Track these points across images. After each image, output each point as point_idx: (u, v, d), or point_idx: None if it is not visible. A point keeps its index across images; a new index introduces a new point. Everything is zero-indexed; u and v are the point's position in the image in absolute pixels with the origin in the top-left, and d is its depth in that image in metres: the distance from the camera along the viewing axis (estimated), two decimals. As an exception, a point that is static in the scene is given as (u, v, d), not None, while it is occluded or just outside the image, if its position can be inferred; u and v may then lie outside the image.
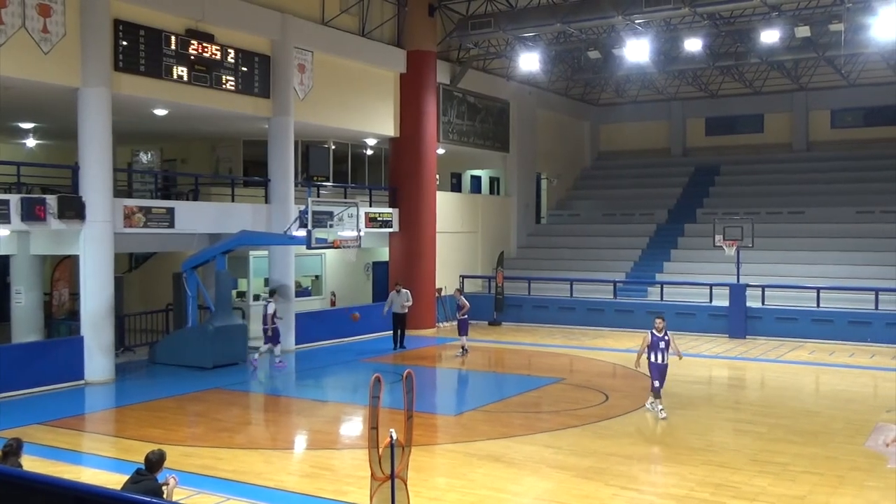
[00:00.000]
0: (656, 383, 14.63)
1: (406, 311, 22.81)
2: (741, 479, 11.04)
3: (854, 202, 30.05)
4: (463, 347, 21.78)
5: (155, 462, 7.84)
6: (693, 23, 26.15)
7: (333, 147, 26.69)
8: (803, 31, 24.42)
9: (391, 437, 7.63)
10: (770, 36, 24.80)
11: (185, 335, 20.35)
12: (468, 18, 26.24)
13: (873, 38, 24.75)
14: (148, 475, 7.75)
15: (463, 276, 29.22)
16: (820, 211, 30.19)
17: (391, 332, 23.05)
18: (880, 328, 23.24)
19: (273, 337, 19.59)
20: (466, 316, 21.98)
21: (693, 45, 26.07)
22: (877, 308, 23.84)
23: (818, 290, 24.67)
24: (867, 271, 25.91)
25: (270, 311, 19.61)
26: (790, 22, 24.70)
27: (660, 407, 14.52)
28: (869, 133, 34.09)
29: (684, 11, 23.19)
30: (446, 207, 28.36)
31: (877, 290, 24.08)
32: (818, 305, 24.54)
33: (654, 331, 14.77)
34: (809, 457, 12.12)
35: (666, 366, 14.72)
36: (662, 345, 14.65)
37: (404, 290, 22.79)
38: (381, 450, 7.62)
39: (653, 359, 14.65)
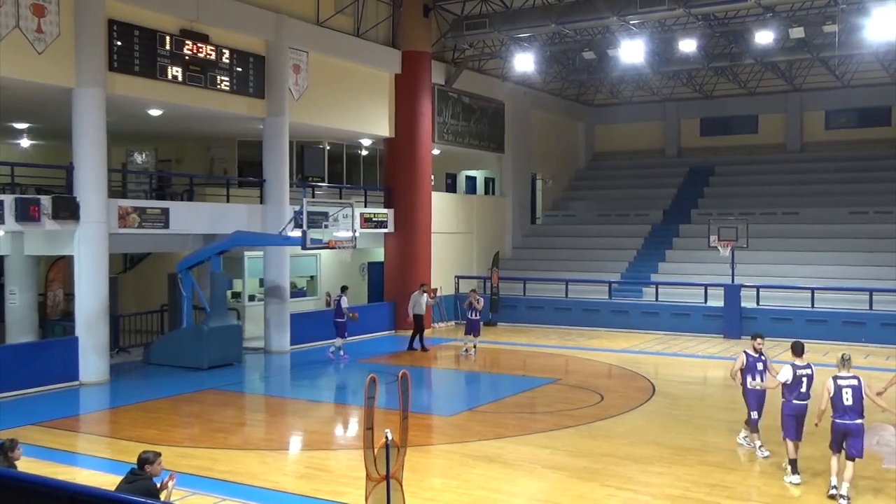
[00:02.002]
0: (753, 414, 12.41)
1: (423, 312, 22.61)
2: (736, 480, 11.08)
3: (848, 203, 30.13)
4: (470, 347, 21.77)
5: (149, 462, 7.82)
6: (687, 24, 26.18)
7: (328, 147, 26.67)
8: (797, 32, 24.46)
9: (386, 437, 7.63)
10: (764, 37, 24.82)
11: (179, 336, 20.32)
12: (463, 19, 26.24)
13: (867, 39, 24.80)
14: (142, 475, 7.73)
15: (458, 277, 29.22)
16: (814, 211, 30.25)
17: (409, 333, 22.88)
18: (875, 328, 23.29)
19: (341, 330, 20.86)
20: (479, 317, 21.93)
21: (687, 45, 26.08)
22: (871, 308, 23.88)
23: (812, 290, 24.71)
24: (861, 272, 25.96)
25: (344, 304, 20.84)
26: (784, 23, 24.74)
27: (758, 443, 12.38)
28: (863, 134, 34.18)
29: (679, 12, 23.20)
30: (441, 208, 28.36)
31: (871, 291, 24.14)
32: (812, 306, 24.58)
33: (749, 350, 12.63)
34: (804, 457, 12.11)
35: (764, 392, 12.53)
36: (760, 366, 12.47)
37: (425, 293, 22.89)
38: (376, 450, 7.62)
39: (749, 384, 12.45)
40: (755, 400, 12.39)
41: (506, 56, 28.73)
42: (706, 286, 25.92)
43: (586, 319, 27.09)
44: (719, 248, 25.27)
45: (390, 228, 26.06)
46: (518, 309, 28.28)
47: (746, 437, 12.73)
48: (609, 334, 25.76)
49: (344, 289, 21.72)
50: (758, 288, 25.36)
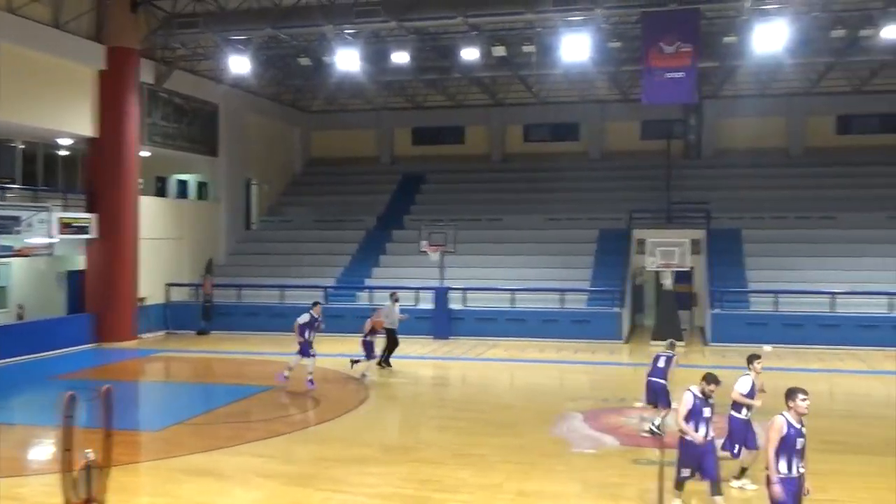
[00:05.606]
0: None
1: (395, 326, 21.07)
2: (444, 473, 11.65)
3: (544, 210, 32.65)
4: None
5: None
6: (400, 36, 27.08)
7: (22, 146, 24.56)
8: (499, 51, 26.12)
9: (87, 458, 7.20)
10: (470, 53, 26.27)
11: None
12: (173, 17, 25.25)
13: (560, 60, 27.03)
14: None
15: (169, 284, 28.03)
16: (514, 218, 32.45)
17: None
18: (566, 325, 25.54)
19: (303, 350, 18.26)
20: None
21: (400, 57, 26.95)
22: (563, 307, 26.20)
23: (513, 291, 26.60)
24: (556, 273, 28.21)
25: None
26: (488, 41, 26.38)
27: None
28: (556, 147, 37.19)
29: (392, 25, 23.96)
30: (150, 213, 27.02)
31: (563, 291, 26.45)
32: (513, 306, 26.46)
33: (696, 391, 9.70)
34: (505, 447, 13.05)
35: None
36: (707, 412, 9.63)
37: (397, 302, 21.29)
38: (76, 473, 7.17)
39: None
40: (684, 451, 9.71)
41: (220, 58, 28.03)
42: (417, 289, 26.95)
43: (303, 325, 27.08)
44: (429, 252, 26.40)
45: (93, 234, 24.41)
46: (233, 316, 27.68)
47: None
48: (325, 339, 25.88)
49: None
50: (464, 290, 26.82)
